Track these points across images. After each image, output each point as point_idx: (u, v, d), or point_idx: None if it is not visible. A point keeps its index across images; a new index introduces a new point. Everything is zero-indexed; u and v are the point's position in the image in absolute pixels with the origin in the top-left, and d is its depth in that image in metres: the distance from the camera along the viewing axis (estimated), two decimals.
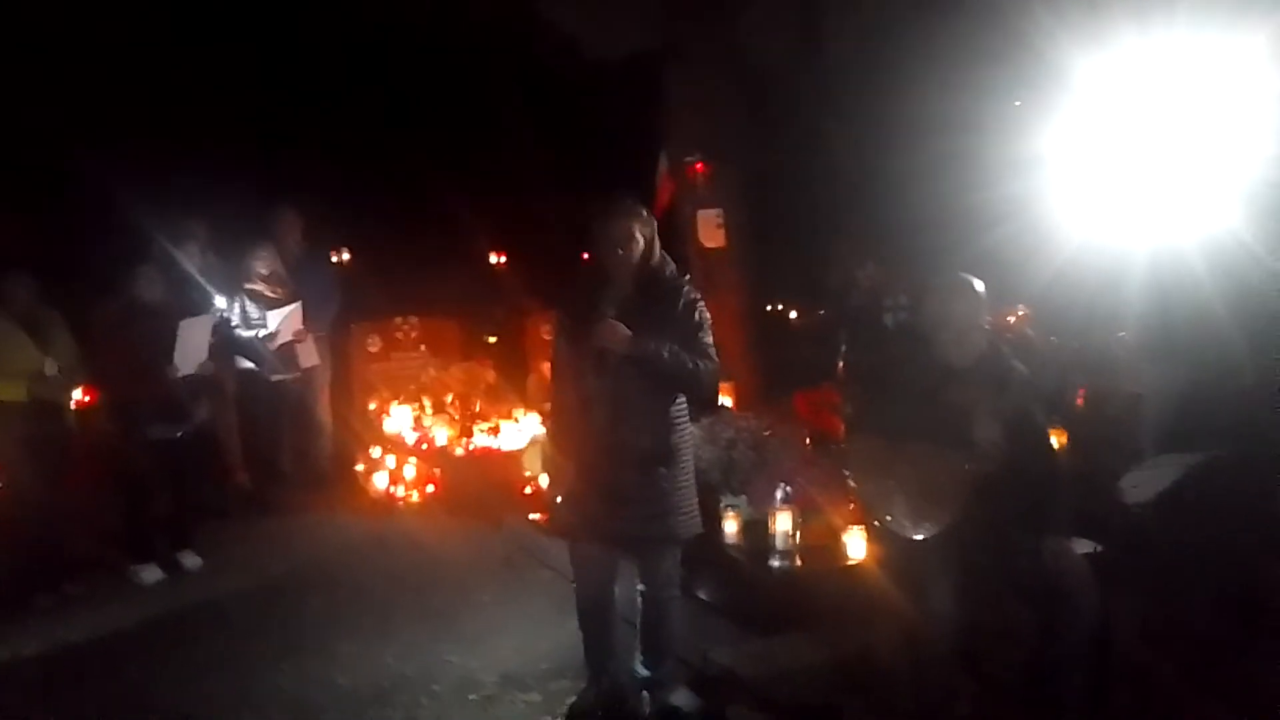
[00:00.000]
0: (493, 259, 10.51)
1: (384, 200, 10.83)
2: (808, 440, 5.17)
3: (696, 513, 3.43)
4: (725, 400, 6.14)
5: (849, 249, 7.24)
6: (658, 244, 3.34)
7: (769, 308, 9.36)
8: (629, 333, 3.17)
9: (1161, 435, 3.18)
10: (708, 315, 3.36)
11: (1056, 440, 4.75)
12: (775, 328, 8.90)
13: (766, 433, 4.89)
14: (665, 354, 3.19)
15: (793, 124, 9.53)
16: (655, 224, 3.34)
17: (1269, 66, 2.65)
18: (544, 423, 4.77)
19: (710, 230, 6.86)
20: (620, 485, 3.27)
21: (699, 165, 6.78)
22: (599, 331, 3.18)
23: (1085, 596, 3.06)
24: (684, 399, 3.38)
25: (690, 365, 3.24)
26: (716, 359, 3.32)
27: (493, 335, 8.64)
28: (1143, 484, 2.76)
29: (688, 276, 3.37)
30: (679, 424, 3.35)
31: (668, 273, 3.35)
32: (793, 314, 9.44)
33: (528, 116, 11.06)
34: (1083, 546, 3.13)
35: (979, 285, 3.31)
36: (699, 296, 3.35)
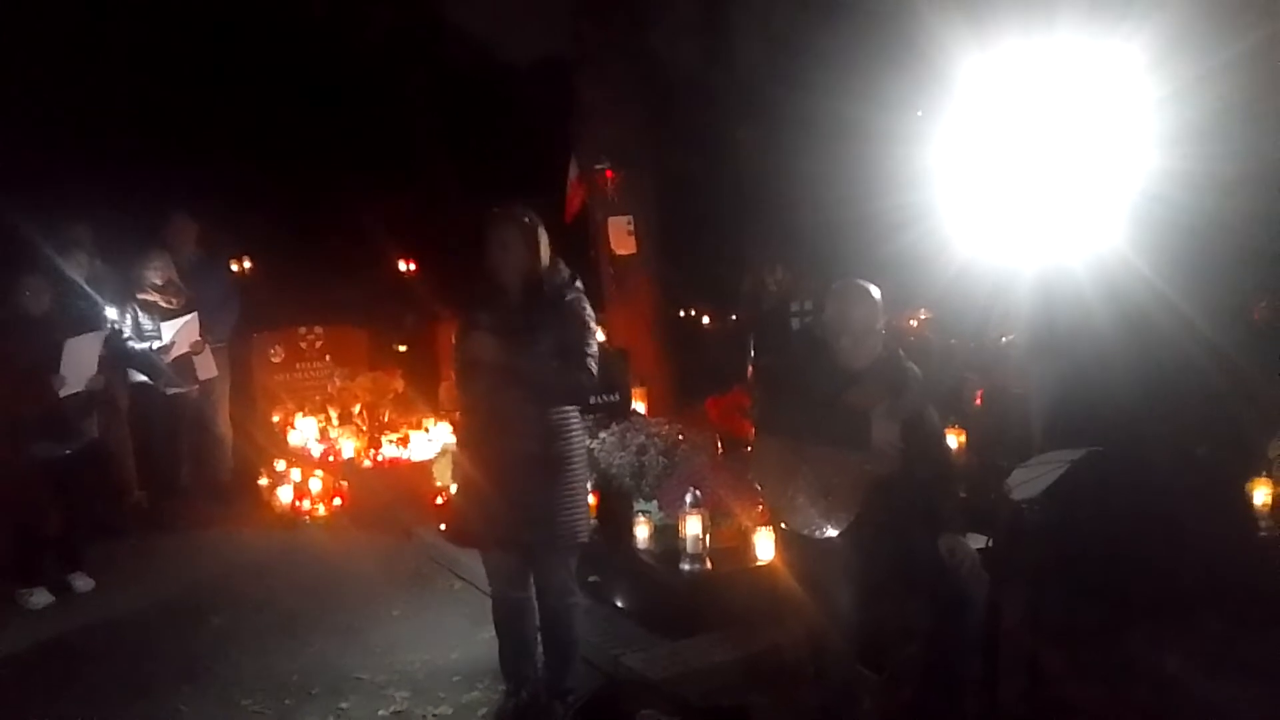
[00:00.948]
0: (402, 266, 10.36)
1: (289, 206, 10.57)
2: (719, 444, 5.24)
3: (587, 519, 3.46)
4: (638, 406, 6.18)
5: (760, 254, 7.38)
6: (546, 249, 3.35)
7: (682, 313, 9.44)
8: (497, 344, 3.18)
9: (1047, 433, 3.32)
10: (593, 324, 3.38)
11: (955, 439, 4.94)
12: (688, 333, 8.99)
13: (680, 438, 4.93)
14: (536, 367, 3.20)
15: (703, 130, 9.67)
16: (543, 228, 3.34)
17: (1146, 76, 2.79)
18: (454, 431, 4.74)
19: (621, 237, 6.89)
20: (510, 492, 3.28)
21: (609, 172, 6.81)
22: (470, 343, 3.19)
23: (978, 590, 3.18)
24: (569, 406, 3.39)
25: (567, 376, 3.26)
26: (595, 368, 3.33)
27: (403, 343, 8.51)
28: (1028, 480, 2.88)
29: (579, 284, 3.38)
30: (564, 431, 3.36)
31: (557, 279, 3.36)
32: (705, 319, 9.54)
33: (437, 121, 10.94)
34: (976, 542, 3.24)
35: (875, 290, 3.40)
36: (585, 304, 3.37)
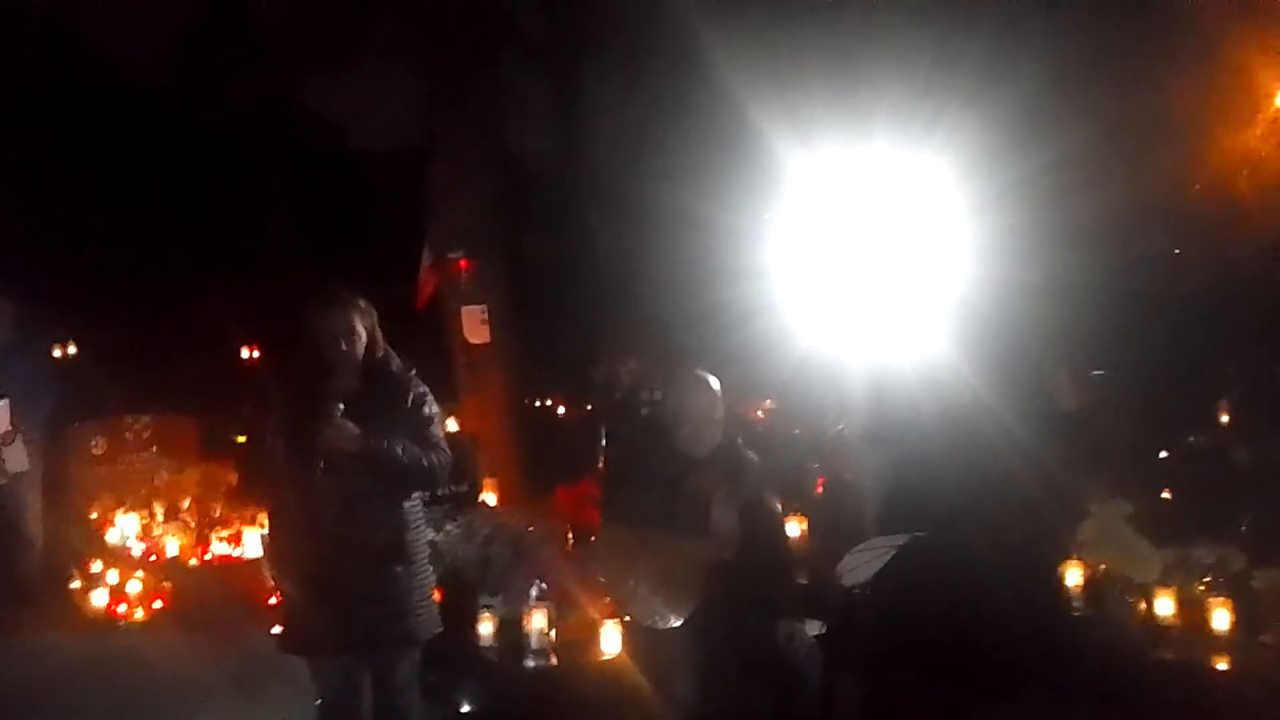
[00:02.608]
0: (244, 352, 9.94)
1: (123, 286, 10.03)
2: (569, 535, 5.20)
3: (435, 612, 3.35)
4: (489, 496, 6.08)
5: (614, 343, 7.47)
6: (380, 336, 3.31)
7: (537, 402, 9.41)
8: (358, 431, 3.10)
9: (879, 520, 3.46)
10: (437, 408, 3.33)
11: (797, 526, 5.06)
12: (542, 422, 8.95)
13: (530, 529, 4.87)
14: (399, 451, 3.13)
15: (559, 221, 9.84)
16: (375, 315, 3.30)
17: (954, 188, 3.05)
18: (272, 527, 4.51)
19: (475, 326, 6.87)
20: (354, 587, 3.14)
21: (463, 261, 6.82)
22: (327, 431, 3.08)
23: (814, 675, 3.24)
24: (417, 495, 3.32)
25: (423, 461, 3.19)
26: (448, 451, 3.28)
27: (241, 433, 8.09)
28: (858, 566, 3.00)
29: (413, 371, 3.34)
30: (414, 521, 3.28)
31: (394, 366, 3.31)
32: (560, 408, 9.53)
33: (287, 204, 10.73)
34: (814, 627, 3.31)
35: (713, 380, 3.51)
36: (427, 390, 3.33)
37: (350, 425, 3.10)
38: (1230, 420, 5.30)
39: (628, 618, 3.55)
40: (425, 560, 3.34)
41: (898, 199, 3.28)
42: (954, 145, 3.17)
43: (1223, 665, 3.48)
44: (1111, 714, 3.57)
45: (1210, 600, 3.58)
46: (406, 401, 3.25)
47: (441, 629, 3.40)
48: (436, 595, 4.19)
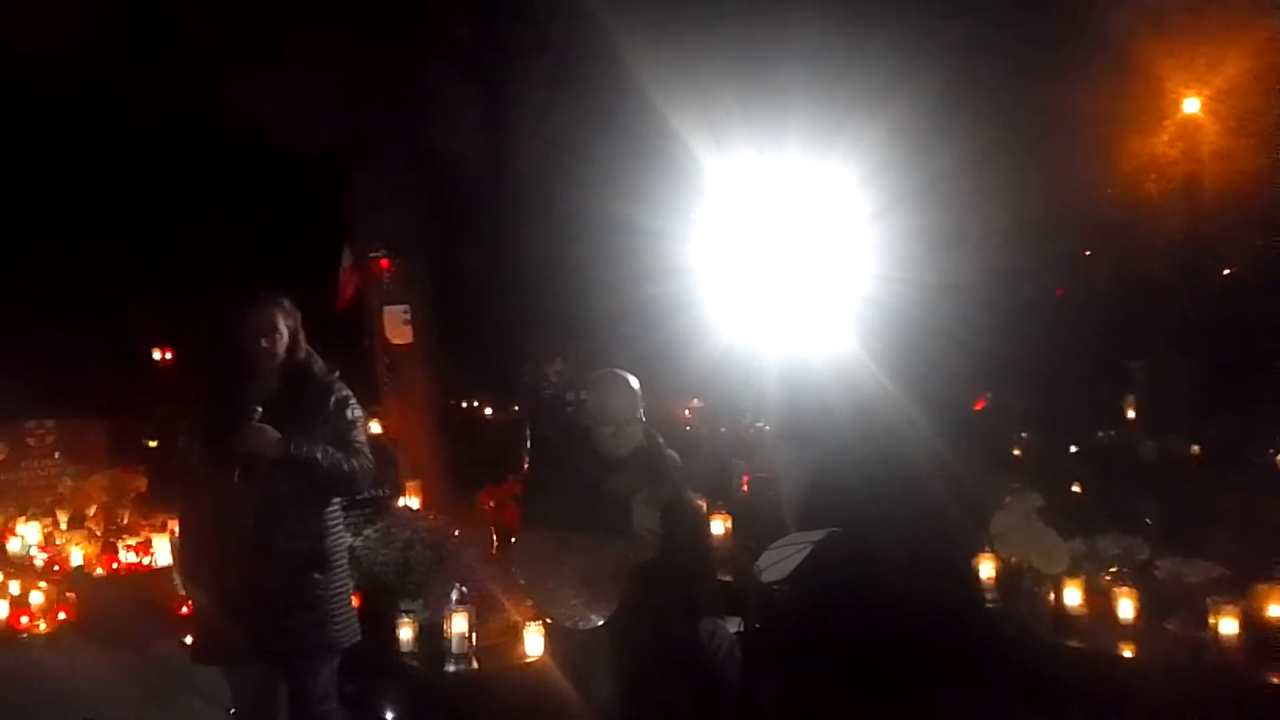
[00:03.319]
0: (156, 355, 9.62)
1: (24, 288, 9.62)
2: (493, 537, 5.14)
3: (354, 619, 3.28)
4: (412, 500, 5.98)
5: (541, 345, 7.43)
6: (303, 337, 3.23)
7: (464, 404, 9.31)
8: (278, 435, 3.01)
9: (797, 517, 3.50)
10: (360, 411, 3.27)
11: (722, 524, 5.08)
12: (469, 424, 8.86)
13: (456, 532, 4.80)
14: (320, 456, 3.05)
15: (485, 222, 9.74)
16: (299, 316, 3.22)
17: (858, 194, 3.11)
18: (171, 543, 4.38)
19: (397, 326, 6.74)
20: (272, 595, 3.06)
21: (384, 260, 6.69)
22: (246, 435, 2.99)
23: (734, 673, 3.25)
24: (337, 501, 3.25)
25: (345, 465, 3.12)
26: (370, 456, 3.23)
27: (152, 438, 7.83)
28: (777, 563, 3.02)
29: (336, 373, 3.27)
30: (333, 527, 3.21)
31: (316, 368, 3.23)
32: (488, 410, 9.45)
33: (202, 204, 10.42)
34: (732, 625, 3.33)
35: (634, 380, 3.50)
36: (350, 393, 3.27)
37: (270, 429, 3.01)
38: (1136, 416, 5.50)
39: (549, 620, 3.52)
40: (344, 567, 3.29)
41: (811, 202, 3.34)
42: (863, 148, 3.24)
43: (1128, 652, 3.59)
44: (1024, 702, 3.66)
45: (1116, 589, 3.69)
46: (329, 405, 3.18)
47: (360, 637, 3.35)
48: (355, 602, 4.14)
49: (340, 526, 3.28)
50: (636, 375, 3.54)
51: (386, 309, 6.71)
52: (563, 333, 7.84)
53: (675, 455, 3.59)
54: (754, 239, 3.33)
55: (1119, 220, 9.51)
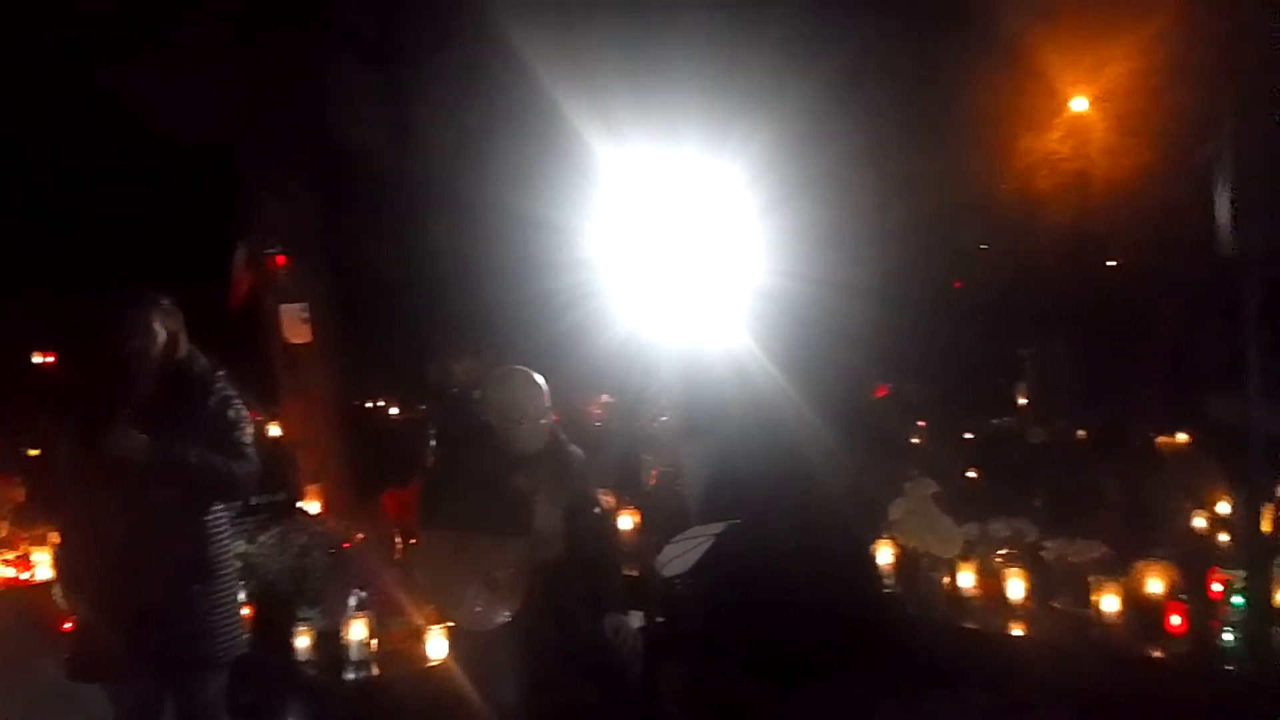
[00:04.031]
0: (37, 358, 9.12)
1: None
2: (396, 540, 5.03)
3: (241, 631, 3.17)
4: (312, 504, 5.81)
5: (447, 342, 7.30)
6: (184, 337, 3.10)
7: (368, 404, 9.09)
8: (144, 438, 2.88)
9: (700, 510, 3.51)
10: (245, 412, 3.15)
11: (630, 519, 5.08)
12: (373, 424, 8.65)
13: (359, 535, 4.68)
14: (191, 459, 2.93)
15: (390, 218, 9.52)
16: (180, 315, 3.09)
17: (747, 191, 3.13)
18: (53, 555, 4.16)
19: (295, 325, 6.54)
20: (151, 607, 2.92)
21: (280, 257, 6.48)
22: (110, 438, 2.85)
23: (640, 667, 3.25)
24: (222, 507, 3.13)
25: (223, 469, 3.00)
26: (255, 458, 3.11)
27: (34, 447, 7.41)
28: (679, 556, 3.03)
29: (221, 373, 3.15)
30: (216, 535, 3.08)
31: (197, 368, 3.10)
32: (393, 409, 9.24)
33: (87, 199, 9.93)
34: (638, 620, 3.32)
35: (538, 377, 3.46)
36: (234, 393, 3.14)
37: (135, 432, 2.87)
38: (1027, 402, 5.70)
39: (452, 622, 3.46)
40: (230, 576, 3.16)
41: (704, 197, 3.35)
42: (756, 144, 3.27)
43: (1019, 631, 3.72)
44: (922, 683, 3.76)
45: (1007, 571, 3.81)
46: (209, 406, 3.05)
47: (248, 649, 3.24)
48: (247, 611, 4.00)
49: (226, 534, 3.15)
50: (544, 371, 3.51)
51: (284, 307, 6.50)
52: (470, 329, 7.73)
53: (580, 452, 3.56)
54: (650, 233, 3.32)
55: (1013, 215, 9.84)
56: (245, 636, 3.21)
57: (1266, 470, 3.62)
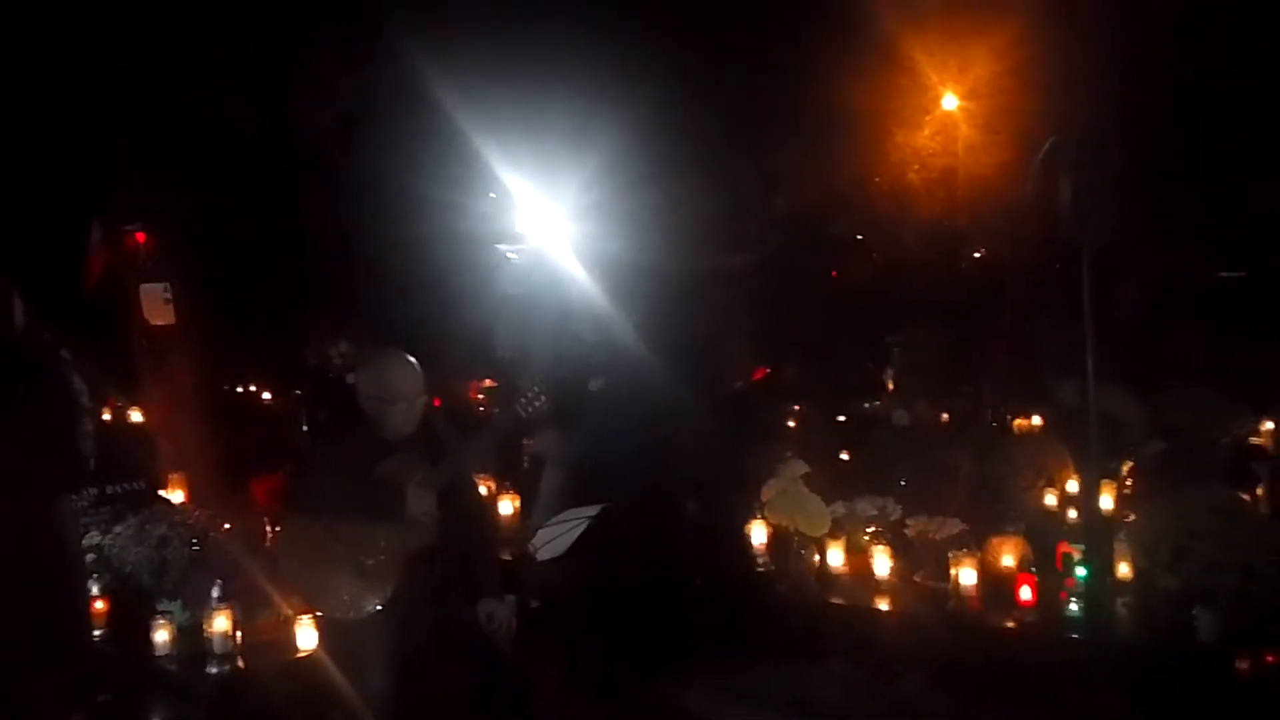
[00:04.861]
0: None
1: None
2: (266, 528, 4.86)
3: (89, 629, 3.02)
4: (175, 493, 5.56)
5: (324, 325, 7.08)
6: (21, 313, 2.90)
7: (238, 388, 8.73)
8: None
9: (574, 494, 3.53)
10: (82, 397, 2.97)
11: (511, 504, 5.06)
12: (245, 410, 8.32)
13: (225, 524, 4.49)
14: (14, 450, 2.75)
15: (265, 197, 9.16)
16: (15, 293, 2.90)
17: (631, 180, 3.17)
18: None
19: (156, 306, 6.24)
20: None
21: (140, 235, 6.16)
22: None
23: (515, 652, 3.24)
24: (64, 497, 2.96)
25: (56, 457, 2.83)
26: (89, 447, 2.93)
27: None
28: (552, 540, 3.03)
29: (64, 353, 2.96)
30: (53, 528, 2.91)
31: (30, 352, 2.91)
32: (266, 394, 8.90)
33: None
34: (510, 604, 3.32)
35: (412, 361, 3.41)
36: (74, 378, 2.96)
37: None
38: (893, 386, 5.93)
39: (320, 612, 3.38)
40: (74, 573, 3.00)
41: (579, 187, 3.37)
42: (633, 138, 3.31)
43: (884, 605, 3.87)
44: (791, 657, 3.88)
45: (873, 548, 3.96)
46: (40, 390, 2.86)
47: (102, 646, 3.08)
48: (102, 605, 3.81)
49: (71, 526, 2.99)
50: (425, 354, 3.46)
51: (144, 287, 6.19)
52: (348, 310, 7.53)
53: (455, 437, 3.52)
54: (526, 224, 3.32)
55: (886, 207, 10.24)
56: (93, 635, 3.04)
57: (1104, 450, 3.89)
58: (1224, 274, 6.46)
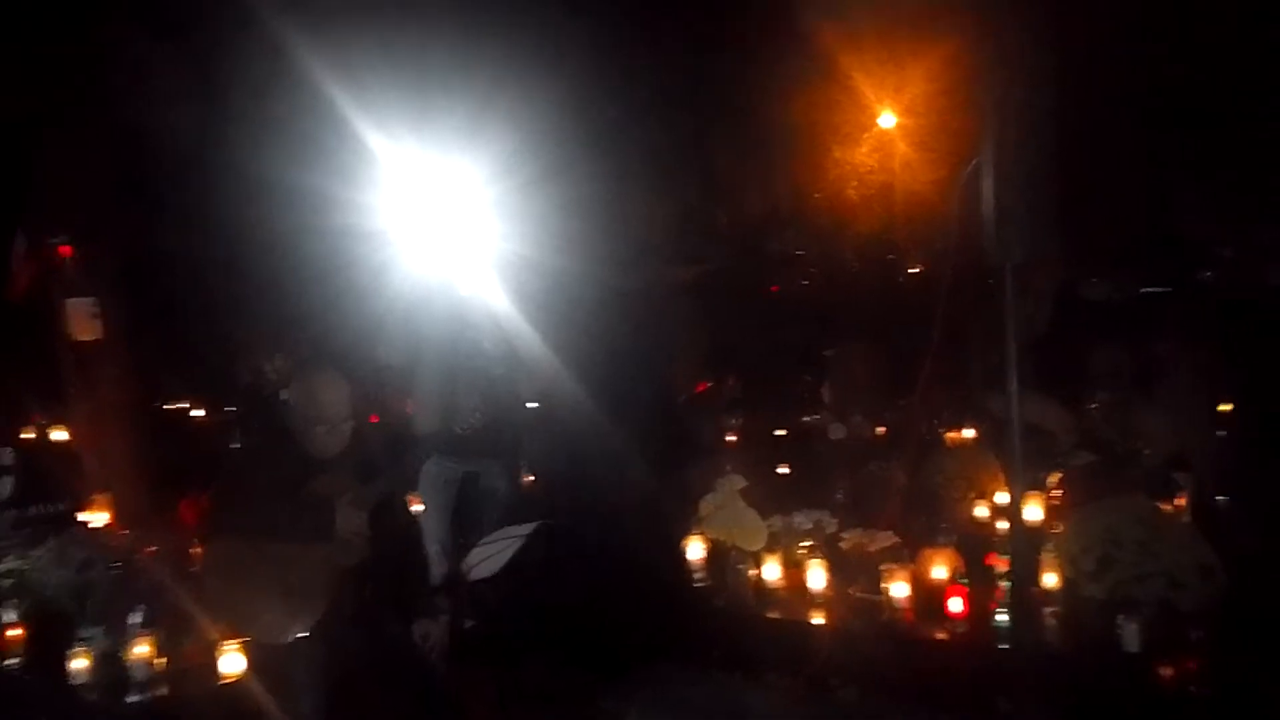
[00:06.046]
0: None
1: None
2: (195, 549, 4.74)
3: None
4: (98, 515, 5.39)
5: (259, 340, 6.95)
6: None
7: (169, 406, 8.51)
8: None
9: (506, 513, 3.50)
10: None
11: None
12: (175, 428, 8.11)
13: (152, 547, 4.37)
14: None
15: (197, 208, 8.94)
16: None
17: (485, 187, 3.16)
18: None
19: (83, 321, 6.04)
20: None
21: (65, 248, 5.98)
22: None
23: (449, 672, 3.20)
24: None
25: None
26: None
27: None
28: (487, 558, 3.01)
29: None
30: None
31: None
32: (199, 411, 8.68)
33: None
34: (443, 623, 3.28)
35: (342, 379, 3.36)
36: None
37: None
38: (831, 400, 5.98)
39: (247, 636, 3.30)
40: None
41: (502, 200, 3.36)
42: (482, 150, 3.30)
43: (819, 619, 3.89)
44: (728, 671, 3.88)
45: (808, 561, 3.99)
46: None
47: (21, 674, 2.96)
48: (18, 632, 3.68)
49: None
50: (362, 372, 3.41)
51: (70, 302, 6.00)
52: (285, 327, 7.38)
53: (387, 456, 3.48)
54: (442, 245, 3.30)
55: (825, 222, 10.38)
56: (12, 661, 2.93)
57: (1033, 461, 3.97)
58: (1148, 290, 6.65)
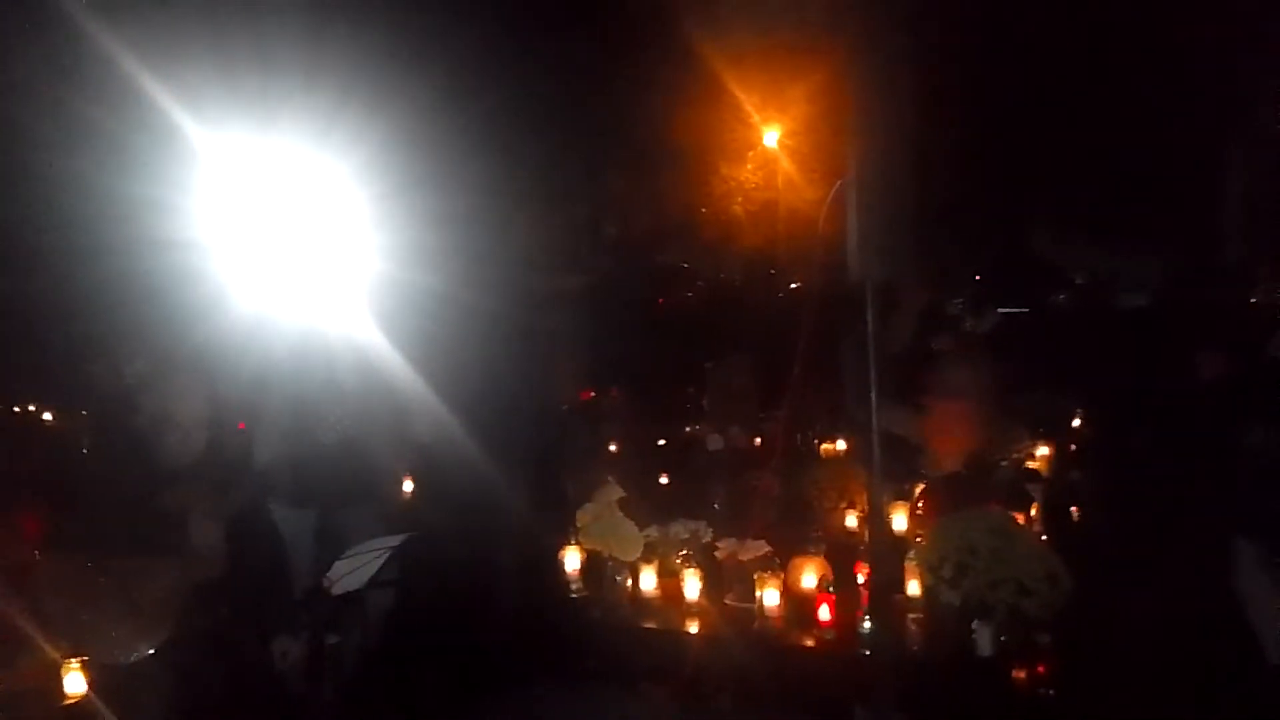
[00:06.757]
0: None
1: None
2: (33, 565, 4.42)
3: None
4: None
5: (116, 341, 6.57)
6: None
7: (14, 409, 7.97)
8: None
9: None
10: None
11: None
12: (20, 434, 7.59)
13: None
14: None
15: (33, 209, 8.40)
16: None
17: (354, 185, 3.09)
18: None
19: None
20: None
21: None
22: None
23: (313, 688, 3.08)
24: None
25: None
26: None
27: None
28: (352, 571, 2.91)
29: None
30: None
31: None
32: (47, 416, 8.14)
33: None
34: (304, 641, 3.15)
35: (198, 385, 3.21)
36: None
37: None
38: (709, 411, 6.07)
39: (88, 656, 3.09)
40: None
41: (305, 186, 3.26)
42: (355, 148, 3.23)
43: (694, 627, 3.91)
44: (603, 681, 3.87)
45: (684, 571, 4.01)
46: None
47: None
48: None
49: None
50: (230, 377, 3.26)
51: None
52: (144, 327, 6.98)
53: (249, 466, 3.33)
54: (292, 257, 3.20)
55: (711, 237, 10.57)
56: None
57: (899, 472, 4.10)
58: (1005, 310, 7.01)
